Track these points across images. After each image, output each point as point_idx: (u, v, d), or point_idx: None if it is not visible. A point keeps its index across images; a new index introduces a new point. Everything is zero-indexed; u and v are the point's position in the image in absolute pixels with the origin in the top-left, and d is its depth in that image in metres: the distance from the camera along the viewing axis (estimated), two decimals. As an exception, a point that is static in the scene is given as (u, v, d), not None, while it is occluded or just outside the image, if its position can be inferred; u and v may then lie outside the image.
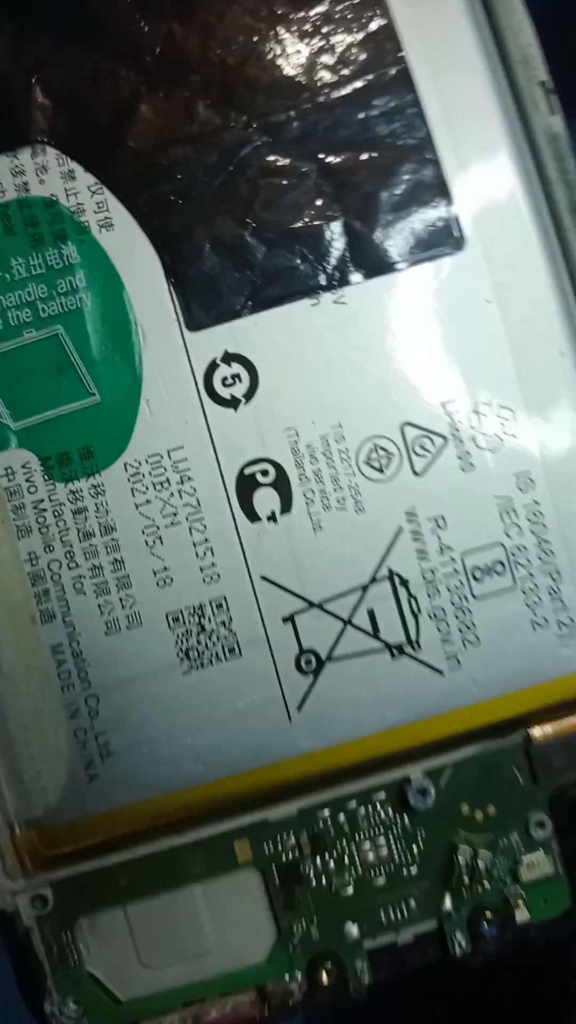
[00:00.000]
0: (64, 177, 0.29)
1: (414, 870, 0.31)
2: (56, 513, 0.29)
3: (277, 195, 0.30)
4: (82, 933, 0.30)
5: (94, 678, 0.29)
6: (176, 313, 0.29)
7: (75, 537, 0.29)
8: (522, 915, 0.31)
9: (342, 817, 0.30)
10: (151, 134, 0.30)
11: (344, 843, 0.30)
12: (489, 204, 0.30)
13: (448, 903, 0.30)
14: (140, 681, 0.29)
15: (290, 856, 0.30)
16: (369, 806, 0.30)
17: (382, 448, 0.30)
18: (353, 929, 0.30)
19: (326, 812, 0.30)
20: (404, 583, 0.30)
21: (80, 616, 0.29)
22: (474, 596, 0.30)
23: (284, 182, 0.30)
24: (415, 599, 0.30)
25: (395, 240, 0.30)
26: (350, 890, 0.30)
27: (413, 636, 0.30)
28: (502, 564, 0.30)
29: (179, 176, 0.29)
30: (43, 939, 0.29)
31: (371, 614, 0.30)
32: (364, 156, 0.30)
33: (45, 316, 0.29)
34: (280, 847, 0.30)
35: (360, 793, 0.30)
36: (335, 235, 0.30)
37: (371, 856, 0.31)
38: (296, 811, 0.30)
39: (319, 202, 0.30)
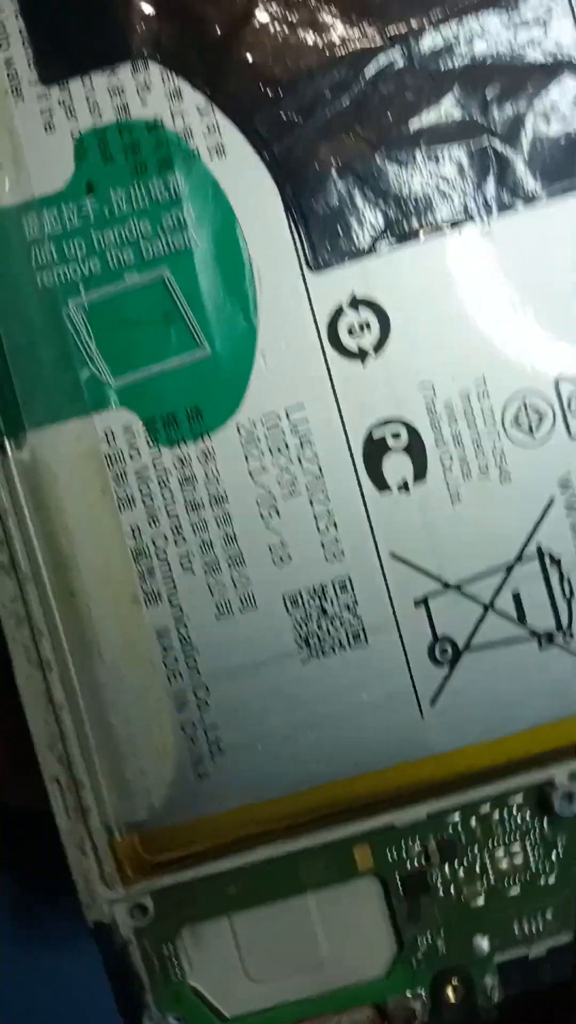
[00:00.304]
0: (170, 97, 0.25)
1: (552, 879, 0.27)
2: (161, 482, 0.25)
3: (414, 115, 0.25)
4: (184, 945, 0.27)
5: (204, 666, 0.26)
6: (297, 251, 0.25)
7: (182, 509, 0.26)
8: None
9: (474, 822, 0.27)
10: (269, 46, 0.25)
11: (476, 850, 0.27)
12: None
13: (587, 916, 0.27)
14: (255, 670, 0.26)
15: (416, 864, 0.27)
16: (505, 810, 0.27)
17: (533, 407, 0.26)
18: (483, 943, 0.27)
19: (457, 816, 0.27)
20: (556, 562, 0.26)
21: (188, 597, 0.26)
22: None
23: (422, 101, 0.25)
24: (568, 581, 0.26)
25: (551, 166, 0.26)
26: (481, 901, 0.27)
27: (565, 623, 0.26)
28: None
29: (302, 94, 0.25)
30: (142, 951, 0.26)
31: (516, 598, 0.26)
32: (511, 72, 0.25)
33: (149, 257, 0.25)
34: (405, 854, 0.27)
35: (496, 796, 0.27)
36: (480, 160, 0.25)
37: (505, 864, 0.27)
38: (425, 815, 0.27)
39: (461, 123, 0.26)
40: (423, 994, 0.27)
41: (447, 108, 0.26)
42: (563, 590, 0.26)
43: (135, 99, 0.25)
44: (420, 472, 0.26)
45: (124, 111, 0.25)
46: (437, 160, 0.25)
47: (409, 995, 0.27)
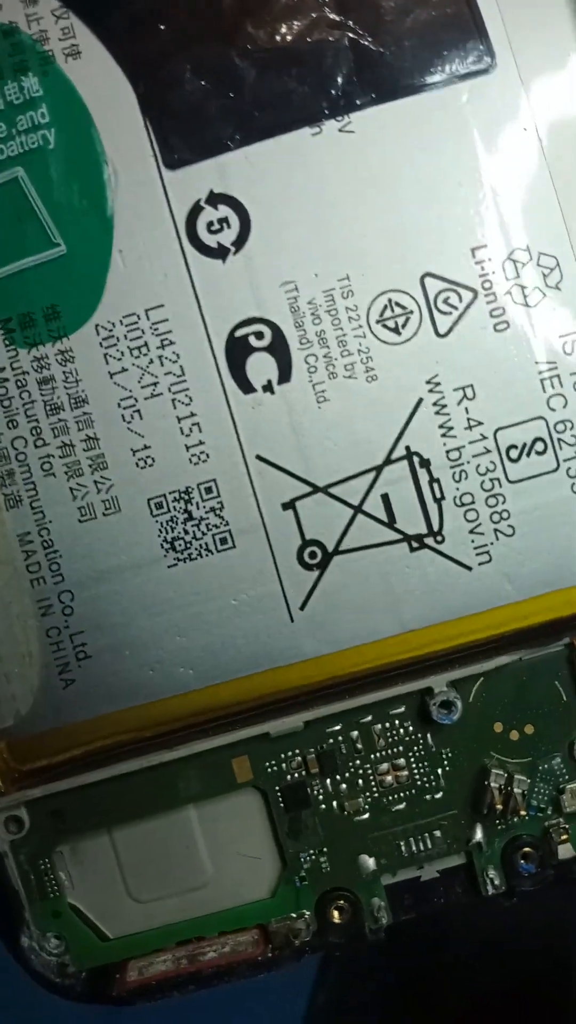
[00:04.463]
0: (24, 1, 0.25)
1: (439, 796, 0.27)
2: (19, 383, 0.25)
3: (270, 9, 0.25)
4: (63, 860, 0.26)
5: (67, 571, 0.25)
6: (153, 149, 0.25)
7: (41, 411, 0.25)
8: (566, 851, 0.26)
9: (355, 733, 0.26)
10: (123, -57, 0.25)
11: (358, 762, 0.27)
12: (525, 15, 0.25)
13: (479, 834, 0.26)
14: (120, 574, 0.25)
15: (296, 776, 0.26)
16: (386, 721, 0.26)
17: (398, 304, 0.25)
18: (369, 862, 0.27)
19: (337, 726, 0.26)
20: (425, 464, 0.25)
21: (49, 501, 0.25)
22: (509, 480, 0.25)
23: (279, -7, 0.25)
24: (438, 483, 0.25)
25: (410, 58, 0.25)
26: (365, 817, 0.27)
27: (435, 526, 0.25)
28: (543, 442, 0.25)
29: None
30: (19, 866, 0.26)
31: (385, 500, 0.25)
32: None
33: (3, 158, 0.25)
34: (284, 765, 0.26)
35: (375, 705, 0.26)
36: (339, 52, 0.25)
37: (389, 778, 0.27)
38: (302, 724, 0.26)
39: (319, 15, 0.25)
40: (307, 915, 0.27)
41: (306, 2, 0.25)
42: (432, 492, 0.25)
43: (-9, 4, 0.25)
44: (285, 373, 0.25)
45: (-21, 17, 0.25)
46: (293, 56, 0.25)
47: (294, 916, 0.27)
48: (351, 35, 0.25)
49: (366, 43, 0.25)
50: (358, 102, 0.25)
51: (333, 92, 0.25)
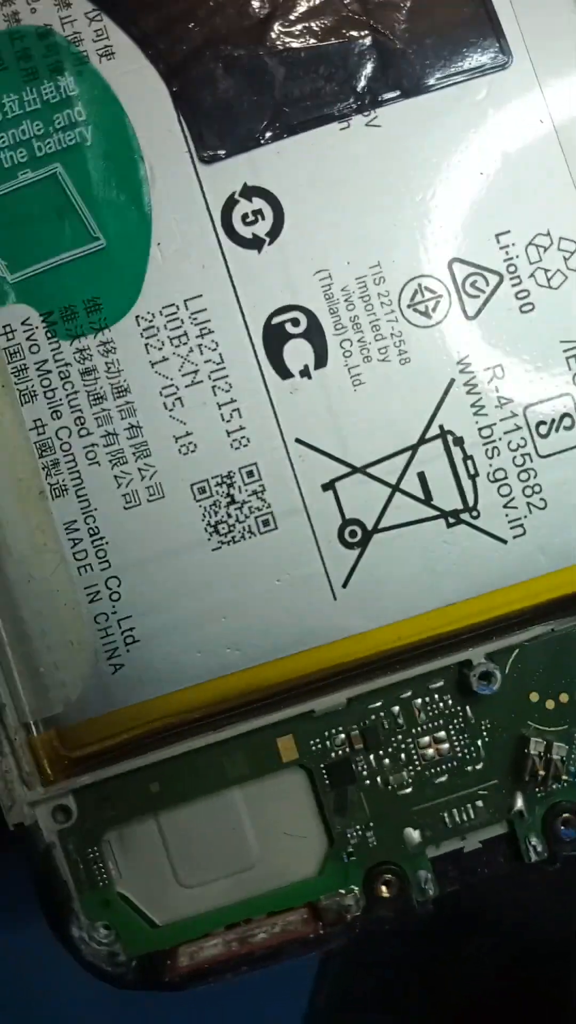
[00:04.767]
0: (58, 4, 0.26)
1: (480, 766, 0.27)
2: (62, 375, 0.26)
3: (297, 9, 0.26)
4: (111, 849, 0.27)
5: (114, 557, 0.26)
6: (187, 144, 0.26)
7: (85, 401, 0.26)
8: (607, 815, 0.27)
9: (396, 708, 0.27)
10: (151, -50, 0.26)
11: (400, 737, 0.27)
12: (538, 13, 0.27)
13: (520, 803, 0.27)
14: (165, 559, 0.26)
15: (340, 753, 0.27)
16: (427, 695, 0.27)
17: (428, 289, 0.26)
18: (414, 835, 0.27)
19: (379, 702, 0.27)
20: (459, 442, 0.26)
21: (95, 489, 0.26)
22: (539, 455, 0.26)
23: (305, -5, 0.26)
24: (472, 460, 0.26)
25: (431, 56, 0.26)
26: (409, 790, 0.27)
27: (471, 501, 0.26)
28: (571, 417, 0.26)
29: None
30: (67, 856, 0.26)
31: (422, 478, 0.26)
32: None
33: (42, 155, 0.26)
34: (328, 743, 0.27)
35: (416, 679, 0.27)
36: (364, 51, 0.26)
37: (431, 752, 0.27)
38: (345, 701, 0.27)
39: (345, 15, 0.26)
40: (356, 891, 0.27)
41: (331, 3, 0.26)
42: (467, 469, 0.26)
43: (24, 7, 0.26)
44: (321, 358, 0.26)
45: (14, 19, 0.26)
46: (320, 54, 0.26)
47: (343, 892, 0.27)
48: (375, 34, 0.26)
49: (389, 42, 0.26)
50: (383, 98, 0.26)
51: (359, 88, 0.26)
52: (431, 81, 0.26)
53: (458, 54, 0.26)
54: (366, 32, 0.26)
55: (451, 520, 0.26)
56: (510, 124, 0.26)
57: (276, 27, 0.26)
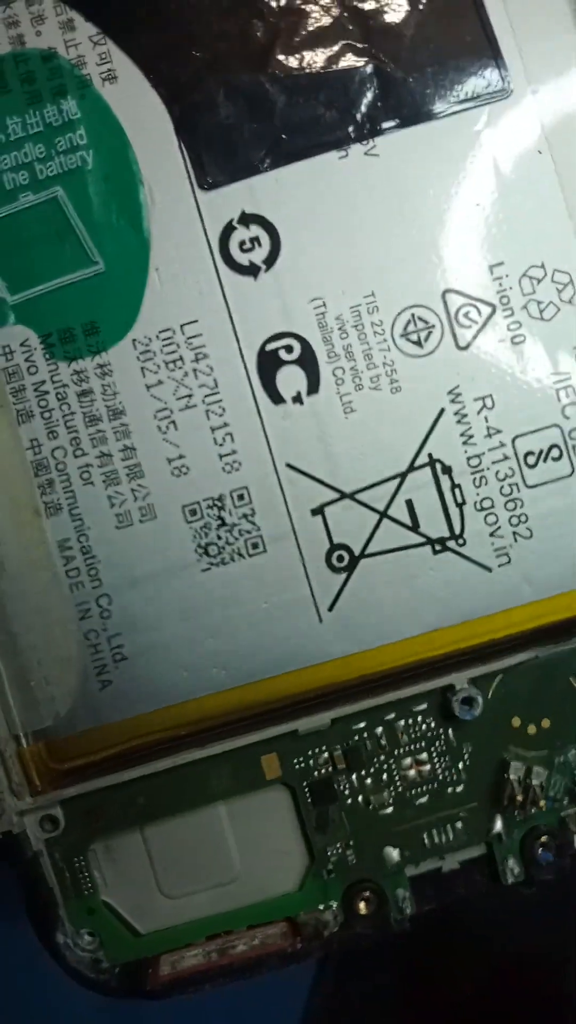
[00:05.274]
0: (63, 27, 0.26)
1: (460, 789, 0.28)
2: (59, 396, 0.26)
3: (299, 36, 0.26)
4: (97, 859, 0.27)
5: (105, 576, 0.26)
6: (187, 170, 0.26)
7: (81, 422, 0.26)
8: (583, 840, 0.28)
9: (380, 729, 0.28)
10: (156, -25, 0.26)
11: (382, 758, 0.28)
12: (540, 43, 0.27)
13: (499, 825, 0.28)
14: (156, 579, 0.26)
15: (323, 772, 0.27)
16: (409, 718, 0.28)
17: (421, 319, 0.27)
18: (394, 854, 0.28)
19: (362, 723, 0.27)
20: (447, 470, 0.27)
21: (88, 508, 0.26)
22: (527, 485, 0.27)
23: (306, 22, 0.26)
24: (459, 488, 0.27)
25: (431, 85, 0.27)
26: (390, 810, 0.28)
27: (457, 529, 0.27)
28: (559, 449, 0.27)
29: (188, 20, 0.26)
30: (54, 864, 0.27)
31: (410, 505, 0.27)
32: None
33: (43, 178, 0.26)
34: (312, 762, 0.27)
35: (399, 703, 0.27)
36: (365, 80, 0.26)
37: (412, 773, 0.28)
38: (329, 722, 0.27)
39: (346, 43, 0.26)
40: (335, 907, 0.28)
41: (332, 29, 0.26)
42: (454, 497, 0.27)
43: (30, 30, 0.26)
44: (313, 385, 0.27)
45: (19, 42, 0.26)
46: (321, 82, 0.26)
47: (321, 908, 0.28)
48: (375, 62, 0.26)
49: (390, 70, 0.26)
50: (382, 127, 0.26)
51: (359, 117, 0.26)
52: (430, 109, 0.26)
53: (458, 82, 0.27)
54: (367, 59, 0.26)
55: (437, 547, 0.27)
56: (508, 154, 0.27)
57: (278, 53, 0.26)
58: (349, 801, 0.28)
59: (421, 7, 0.27)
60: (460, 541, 0.27)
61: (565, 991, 0.44)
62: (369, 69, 0.26)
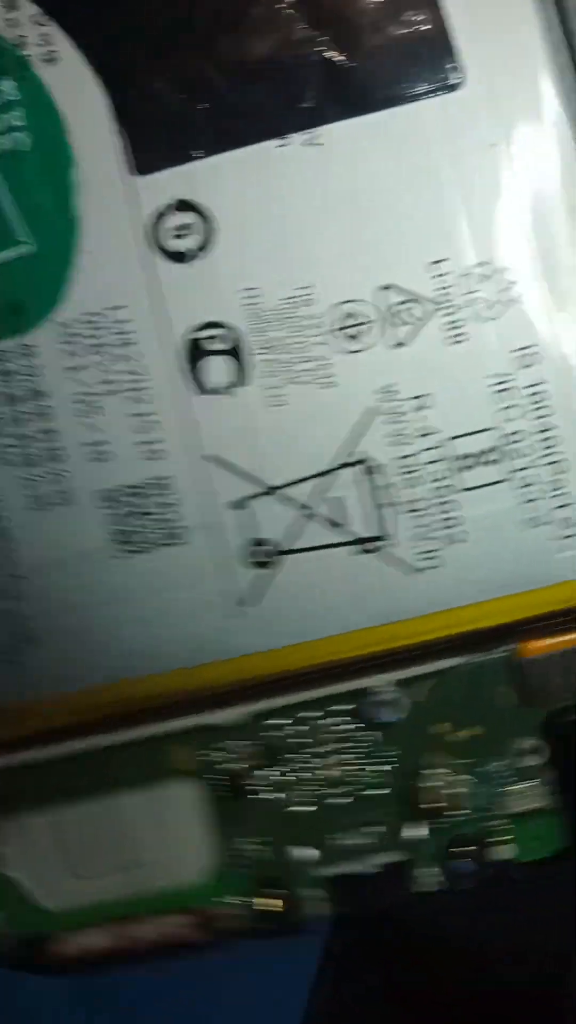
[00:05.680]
0: (5, 7, 0.26)
1: (382, 792, 0.27)
2: (-19, 376, 0.26)
3: (244, 22, 0.26)
4: (3, 835, 0.27)
5: (18, 556, 0.26)
6: (123, 154, 0.26)
7: (1, 402, 0.26)
8: (505, 851, 0.27)
9: (301, 727, 0.27)
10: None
11: (302, 755, 0.27)
12: (497, 35, 0.26)
13: (419, 832, 0.27)
14: (71, 564, 0.26)
15: (238, 765, 0.27)
16: (332, 717, 0.27)
17: (357, 314, 0.26)
18: (307, 853, 0.27)
19: (283, 719, 0.27)
20: (377, 469, 0.26)
21: (4, 489, 0.26)
22: (461, 487, 0.26)
23: (253, 6, 0.26)
24: (389, 488, 0.26)
25: (382, 73, 0.26)
26: (307, 809, 0.27)
27: (386, 529, 0.26)
28: (495, 452, 0.26)
29: (132, 2, 0.26)
30: None
31: (337, 503, 0.26)
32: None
33: (-24, 158, 0.26)
34: (227, 755, 0.27)
35: (321, 700, 0.27)
36: (312, 66, 0.26)
37: (332, 773, 0.27)
38: (246, 715, 0.27)
39: (293, 28, 0.26)
40: (245, 901, 0.28)
41: (279, 15, 0.26)
42: (384, 497, 0.26)
43: (-29, 8, 0.26)
44: (242, 376, 0.26)
45: (-40, 20, 0.26)
46: (266, 69, 0.26)
47: (230, 900, 0.28)
48: (324, 49, 0.26)
49: (339, 58, 0.26)
50: (327, 115, 0.26)
51: (303, 105, 0.26)
52: (379, 99, 0.26)
53: (410, 72, 0.26)
54: (315, 46, 0.26)
55: (364, 547, 0.26)
56: (458, 148, 0.26)
57: (222, 39, 0.26)
58: (264, 797, 0.27)
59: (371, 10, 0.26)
60: (388, 541, 0.26)
61: (564, 992, 0.43)
62: (317, 56, 0.26)
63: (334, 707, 0.27)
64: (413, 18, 0.26)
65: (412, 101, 0.26)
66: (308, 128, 0.26)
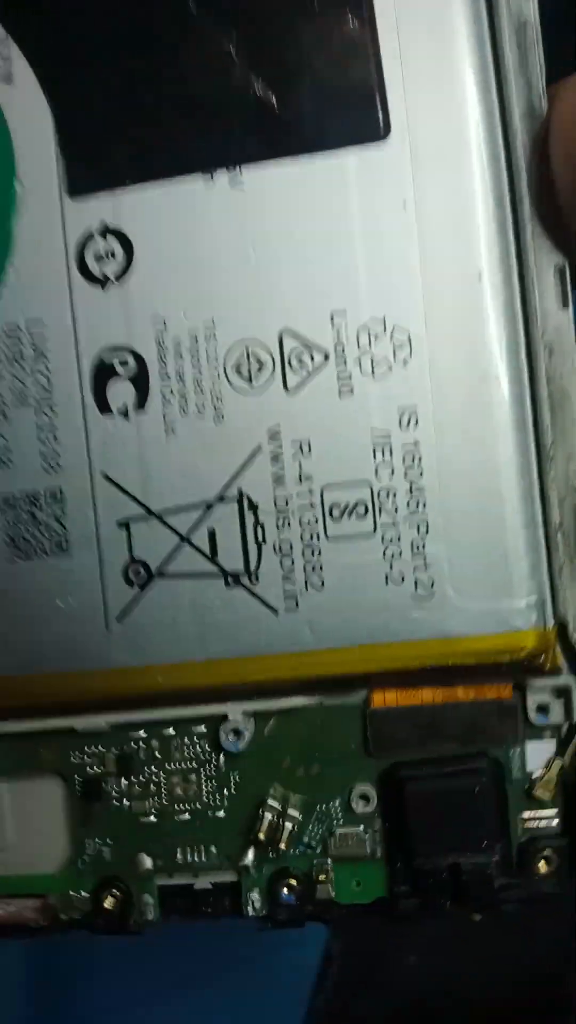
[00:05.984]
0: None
1: (221, 814, 0.28)
2: None
3: (183, 54, 0.27)
4: None
5: None
6: (60, 175, 0.27)
7: None
8: (325, 891, 0.28)
9: (155, 742, 0.28)
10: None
11: (153, 769, 0.29)
12: (427, 92, 0.26)
13: (250, 858, 0.28)
14: (-35, 561, 0.28)
15: (94, 770, 0.29)
16: (185, 737, 0.28)
17: (254, 355, 0.27)
18: (147, 861, 0.29)
19: (139, 732, 0.29)
20: (253, 508, 0.27)
21: None
22: (327, 536, 0.27)
23: (192, 40, 0.27)
24: (262, 527, 0.27)
25: (308, 118, 0.26)
26: (151, 819, 0.29)
27: (252, 567, 0.27)
28: (365, 506, 0.27)
29: (87, 27, 0.27)
30: None
31: (212, 535, 0.27)
32: (285, 22, 0.26)
33: None
34: (86, 759, 0.29)
35: (178, 721, 0.28)
36: (243, 106, 0.27)
37: (179, 790, 0.29)
38: (106, 725, 0.28)
39: (228, 66, 0.27)
40: (84, 896, 0.29)
41: (220, 52, 0.27)
42: (255, 535, 0.27)
43: None
44: (141, 401, 0.27)
45: None
46: (199, 103, 0.27)
47: (72, 894, 0.29)
48: (256, 90, 0.27)
49: (269, 99, 0.27)
50: (252, 156, 0.27)
51: (230, 144, 0.27)
52: (303, 144, 0.26)
53: (335, 119, 0.26)
54: (248, 85, 0.27)
55: (230, 580, 0.27)
56: (371, 201, 0.26)
57: (162, 70, 0.27)
58: (114, 803, 0.29)
59: (315, 40, 0.26)
60: (253, 578, 0.27)
61: (565, 998, 0.44)
62: (249, 95, 0.27)
63: (188, 728, 0.28)
64: (349, 68, 0.26)
65: (334, 149, 0.26)
66: (233, 166, 0.27)
